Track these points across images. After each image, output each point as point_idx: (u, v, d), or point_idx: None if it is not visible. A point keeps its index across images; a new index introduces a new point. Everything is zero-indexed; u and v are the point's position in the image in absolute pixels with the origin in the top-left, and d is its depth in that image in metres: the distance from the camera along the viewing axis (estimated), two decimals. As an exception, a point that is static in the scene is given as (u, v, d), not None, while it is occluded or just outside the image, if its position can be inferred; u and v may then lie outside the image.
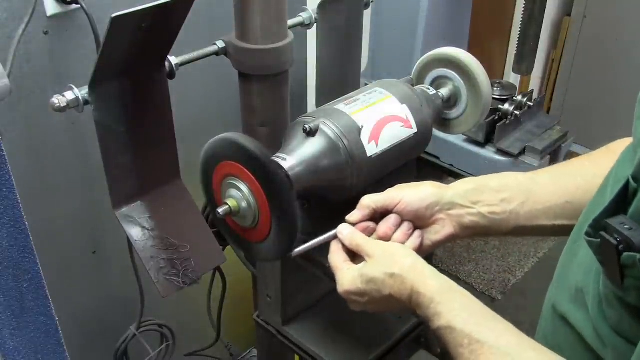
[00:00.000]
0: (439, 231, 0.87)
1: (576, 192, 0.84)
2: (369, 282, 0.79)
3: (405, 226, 0.86)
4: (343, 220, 0.88)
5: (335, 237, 0.86)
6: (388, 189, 0.88)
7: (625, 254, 0.51)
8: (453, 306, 0.73)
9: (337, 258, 0.85)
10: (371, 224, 0.86)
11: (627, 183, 0.53)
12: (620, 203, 0.53)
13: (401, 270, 0.78)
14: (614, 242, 0.51)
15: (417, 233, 0.86)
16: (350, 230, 0.85)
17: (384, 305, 0.81)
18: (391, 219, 0.85)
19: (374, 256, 0.81)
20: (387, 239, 0.85)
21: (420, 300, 0.75)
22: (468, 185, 0.87)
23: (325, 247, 0.89)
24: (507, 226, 0.85)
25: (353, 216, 0.86)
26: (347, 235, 0.85)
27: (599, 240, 0.53)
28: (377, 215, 0.87)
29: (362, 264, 0.82)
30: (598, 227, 0.53)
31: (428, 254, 0.89)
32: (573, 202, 0.83)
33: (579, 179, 0.85)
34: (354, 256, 0.85)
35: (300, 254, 0.87)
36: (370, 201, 0.86)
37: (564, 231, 0.83)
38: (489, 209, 0.85)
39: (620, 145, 0.87)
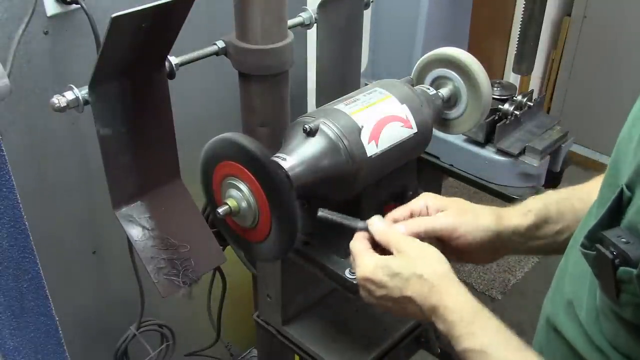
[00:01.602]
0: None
1: None
2: (393, 276, 0.75)
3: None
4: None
5: (364, 228, 0.82)
6: (445, 210, 0.82)
7: (622, 268, 0.48)
8: (488, 331, 0.69)
9: (359, 245, 0.80)
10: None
11: (622, 192, 0.51)
12: (615, 213, 0.51)
13: (432, 276, 0.73)
14: (610, 255, 0.49)
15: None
16: (384, 224, 0.81)
17: (397, 306, 0.76)
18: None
19: (406, 252, 0.76)
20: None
21: (446, 315, 0.71)
22: (528, 219, 0.82)
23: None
24: (545, 250, 0.82)
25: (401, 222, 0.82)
26: (380, 228, 0.80)
27: (594, 252, 0.51)
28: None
29: (391, 256, 0.77)
30: (594, 238, 0.51)
31: None
32: None
33: None
34: (377, 250, 0.80)
35: (323, 218, 0.84)
36: (421, 225, 0.81)
37: None
38: (540, 243, 0.81)
39: None
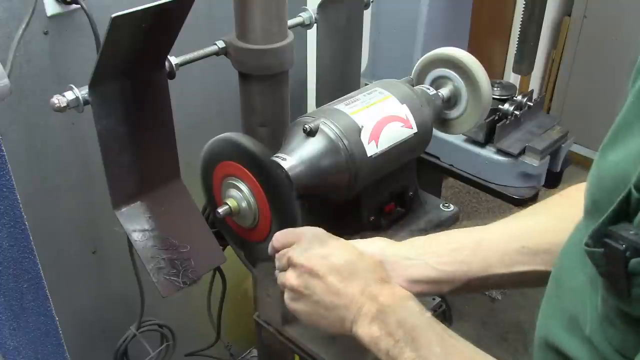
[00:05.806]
0: None
1: (532, 235, 0.80)
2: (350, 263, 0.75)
3: None
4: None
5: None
6: None
7: (634, 260, 0.47)
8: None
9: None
10: None
11: (629, 193, 0.49)
12: (622, 214, 0.49)
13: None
14: (621, 247, 0.47)
15: None
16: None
17: (322, 310, 0.75)
18: None
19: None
20: None
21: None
22: (417, 241, 0.85)
23: None
24: (460, 279, 0.81)
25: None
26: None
27: (601, 249, 0.49)
28: None
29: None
30: (599, 236, 0.50)
31: None
32: (529, 246, 0.79)
33: (532, 223, 0.82)
34: None
35: None
36: None
37: (522, 280, 0.80)
38: (437, 260, 0.81)
39: (575, 191, 0.82)
